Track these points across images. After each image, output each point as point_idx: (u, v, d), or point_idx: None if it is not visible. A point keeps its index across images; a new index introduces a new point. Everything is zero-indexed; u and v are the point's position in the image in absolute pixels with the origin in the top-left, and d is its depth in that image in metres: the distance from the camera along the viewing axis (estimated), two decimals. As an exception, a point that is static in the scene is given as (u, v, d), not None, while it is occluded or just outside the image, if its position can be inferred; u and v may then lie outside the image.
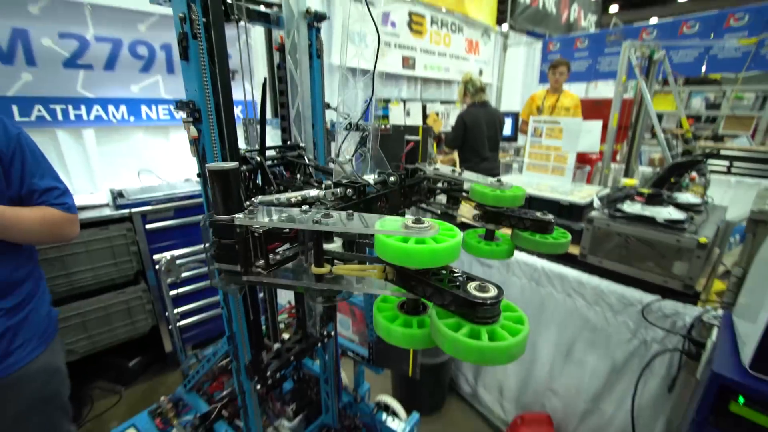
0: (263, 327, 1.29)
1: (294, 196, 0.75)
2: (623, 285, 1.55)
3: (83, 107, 2.48)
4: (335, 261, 0.60)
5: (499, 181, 0.82)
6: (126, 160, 2.78)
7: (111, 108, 2.60)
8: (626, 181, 1.99)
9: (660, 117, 5.76)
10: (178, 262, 1.90)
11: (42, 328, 1.23)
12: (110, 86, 2.57)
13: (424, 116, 4.85)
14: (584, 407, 1.76)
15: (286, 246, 0.67)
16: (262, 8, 1.05)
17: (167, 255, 1.63)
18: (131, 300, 2.31)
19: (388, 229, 0.49)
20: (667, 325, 1.38)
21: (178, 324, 1.89)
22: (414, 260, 0.46)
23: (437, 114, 4.98)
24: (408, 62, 4.63)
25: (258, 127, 1.02)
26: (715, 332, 1.12)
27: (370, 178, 0.88)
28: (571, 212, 1.97)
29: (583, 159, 3.07)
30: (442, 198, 1.01)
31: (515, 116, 5.22)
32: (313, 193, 0.74)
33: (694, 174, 1.94)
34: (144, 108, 2.75)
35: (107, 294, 2.25)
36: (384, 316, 0.54)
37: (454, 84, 5.47)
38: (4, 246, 1.11)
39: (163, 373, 2.65)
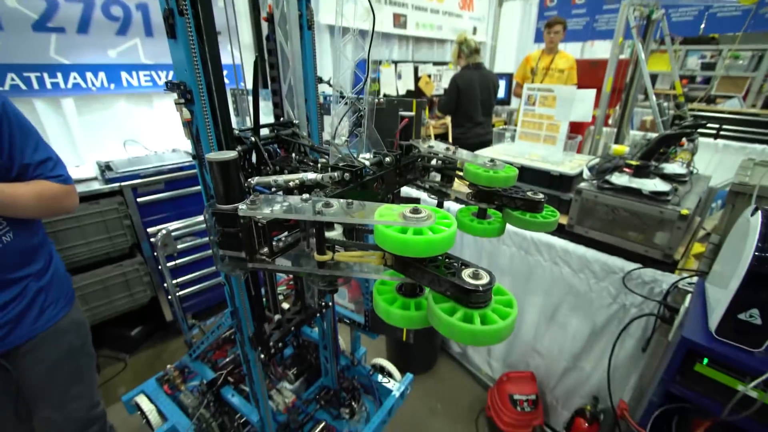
0: (264, 300, 1.34)
1: (291, 179, 0.77)
2: (607, 254, 1.61)
3: (59, 74, 2.35)
4: (336, 248, 0.63)
5: (492, 161, 0.83)
6: (109, 130, 2.69)
7: (89, 75, 2.47)
8: (616, 149, 2.01)
9: (654, 77, 5.68)
10: (173, 234, 1.91)
11: (65, 288, 1.35)
12: (86, 51, 2.43)
13: (416, 79, 4.71)
14: (565, 365, 1.90)
15: (287, 233, 0.69)
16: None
17: (163, 231, 1.64)
18: (129, 272, 2.34)
19: (386, 219, 0.52)
20: (645, 291, 1.47)
21: (177, 294, 1.94)
22: (412, 250, 0.49)
23: (429, 76, 4.84)
24: (399, 20, 4.42)
25: (250, 98, 1.00)
26: (688, 299, 1.20)
27: (366, 158, 0.89)
28: (561, 182, 2.00)
29: (575, 130, 3.07)
30: (436, 176, 1.03)
31: (509, 77, 5.10)
32: (311, 176, 0.76)
33: (683, 139, 1.96)
34: (124, 74, 2.63)
35: (104, 267, 2.27)
36: (384, 299, 0.58)
37: (447, 44, 5.27)
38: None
39: (166, 341, 2.75)
